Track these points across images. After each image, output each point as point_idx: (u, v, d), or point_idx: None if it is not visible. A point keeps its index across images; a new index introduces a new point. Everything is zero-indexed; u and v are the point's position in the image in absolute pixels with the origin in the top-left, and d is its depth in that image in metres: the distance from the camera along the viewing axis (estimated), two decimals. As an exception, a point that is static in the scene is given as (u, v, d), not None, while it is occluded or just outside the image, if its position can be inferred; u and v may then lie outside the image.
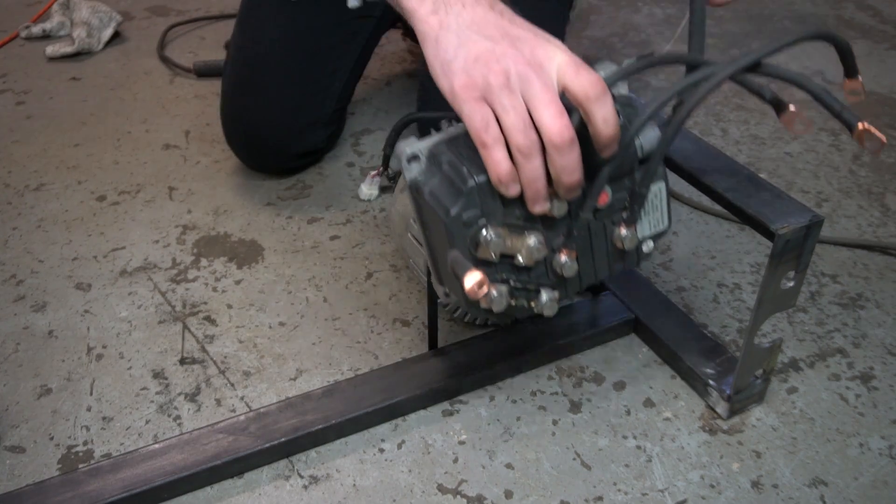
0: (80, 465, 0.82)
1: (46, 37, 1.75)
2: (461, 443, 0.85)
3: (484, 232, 0.64)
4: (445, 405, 0.89)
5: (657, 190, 0.71)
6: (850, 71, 0.62)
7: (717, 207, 0.80)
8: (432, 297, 0.90)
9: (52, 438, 0.86)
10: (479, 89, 0.60)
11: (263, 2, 1.17)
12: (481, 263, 0.65)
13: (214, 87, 1.54)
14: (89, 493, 0.76)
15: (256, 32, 1.18)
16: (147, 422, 0.88)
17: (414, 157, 0.66)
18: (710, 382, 0.87)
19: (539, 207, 0.63)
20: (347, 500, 0.79)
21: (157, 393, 0.91)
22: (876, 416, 0.88)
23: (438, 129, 0.97)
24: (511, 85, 0.59)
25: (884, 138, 0.60)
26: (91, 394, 0.91)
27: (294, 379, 0.93)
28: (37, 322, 1.01)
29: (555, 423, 0.87)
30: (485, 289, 0.60)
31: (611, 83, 0.62)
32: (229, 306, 1.03)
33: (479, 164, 0.62)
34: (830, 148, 1.36)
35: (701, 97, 0.63)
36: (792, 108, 0.61)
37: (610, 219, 0.69)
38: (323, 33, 1.15)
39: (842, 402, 0.89)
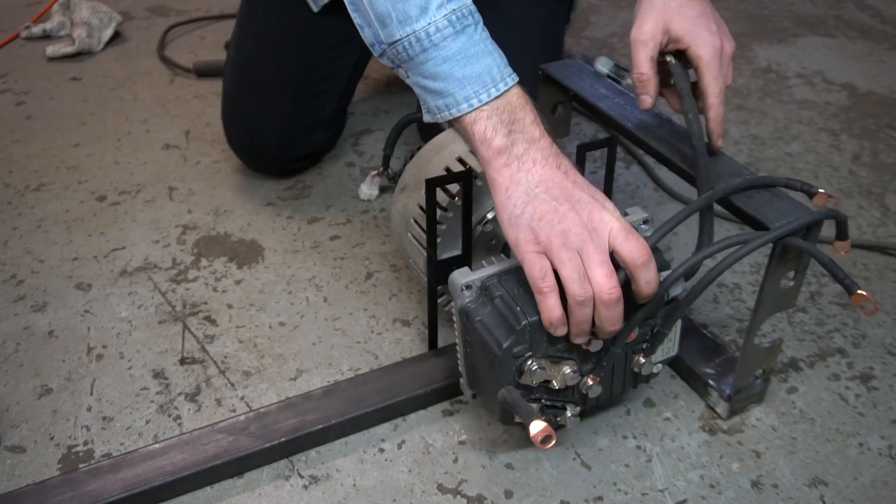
0: (81, 465, 0.82)
1: (47, 37, 1.75)
2: (461, 443, 0.85)
3: (529, 362, 0.72)
4: (445, 405, 0.89)
5: (674, 325, 0.79)
6: (842, 236, 0.74)
7: (718, 207, 0.80)
8: (432, 297, 0.90)
9: (52, 438, 0.86)
10: (542, 245, 0.68)
11: (263, 4, 1.17)
12: (520, 387, 0.74)
13: (214, 87, 1.54)
14: (89, 493, 0.76)
15: (256, 35, 1.18)
16: (147, 422, 0.88)
17: (468, 287, 0.74)
18: (710, 382, 0.87)
19: (580, 341, 0.72)
20: (347, 500, 0.79)
21: (157, 393, 0.91)
22: (876, 416, 0.88)
23: (438, 130, 0.98)
24: (569, 244, 0.67)
25: (878, 305, 0.71)
26: (91, 394, 0.91)
27: (294, 379, 0.93)
28: (37, 322, 1.01)
29: (555, 423, 0.87)
30: (551, 441, 0.67)
31: (653, 243, 0.71)
32: (229, 306, 1.03)
33: (530, 305, 0.70)
34: (830, 148, 1.36)
35: (731, 263, 0.73)
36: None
37: (632, 348, 0.78)
38: (322, 35, 1.15)
39: (842, 402, 0.90)
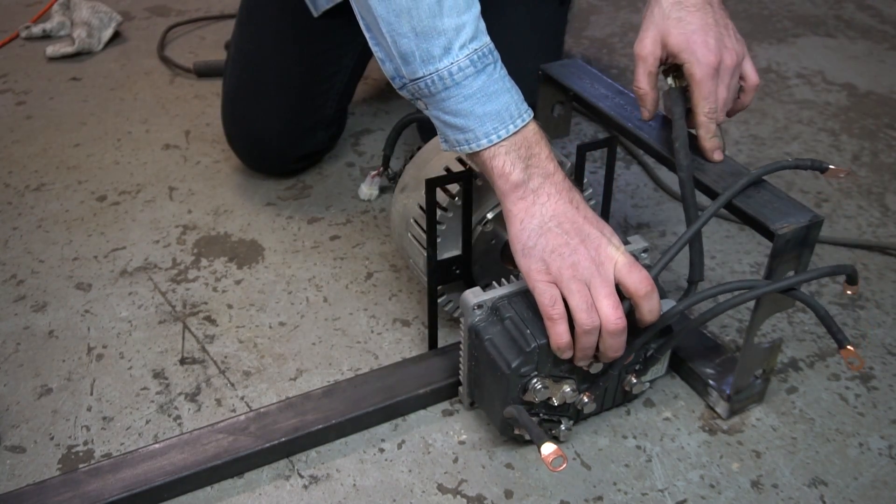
0: (81, 465, 0.82)
1: (47, 37, 1.75)
2: (461, 443, 0.85)
3: (534, 381, 0.77)
4: (445, 405, 0.89)
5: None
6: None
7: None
8: (432, 297, 0.90)
9: (52, 438, 0.86)
10: (552, 275, 0.72)
11: (263, 4, 1.17)
12: (523, 403, 0.78)
13: (215, 87, 1.54)
14: (89, 493, 0.76)
15: (256, 35, 1.18)
16: (147, 422, 0.88)
17: (479, 307, 0.78)
18: (710, 382, 0.87)
19: (583, 364, 0.76)
20: (347, 500, 0.79)
21: (157, 393, 0.91)
22: (875, 416, 0.88)
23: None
24: (578, 276, 0.71)
25: (863, 362, 0.75)
26: (91, 394, 0.91)
27: (294, 379, 0.93)
28: (37, 322, 1.01)
29: (555, 423, 0.87)
30: (563, 463, 0.70)
31: (655, 274, 0.75)
32: (229, 306, 1.03)
33: (539, 328, 0.75)
34: (830, 148, 1.36)
35: (730, 307, 0.77)
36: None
37: (625, 370, 0.83)
38: (322, 37, 1.15)
39: (841, 402, 0.90)
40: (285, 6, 1.14)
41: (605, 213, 0.96)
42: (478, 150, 0.73)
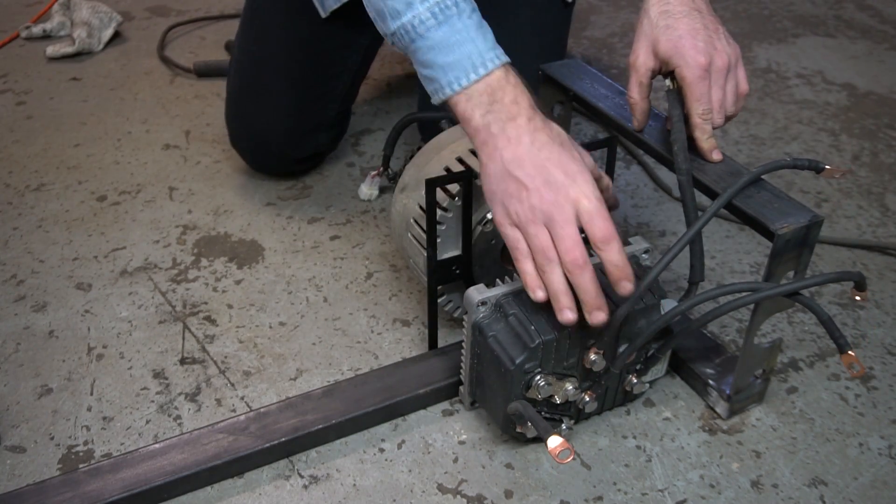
0: (81, 465, 0.82)
1: (47, 37, 1.75)
2: (461, 443, 0.85)
3: (538, 378, 0.77)
4: (445, 405, 0.89)
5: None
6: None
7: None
8: (432, 297, 0.90)
9: (52, 438, 0.86)
10: (512, 219, 0.74)
11: (267, 5, 1.17)
12: (526, 399, 0.78)
13: (215, 87, 1.54)
14: (89, 493, 0.76)
15: (260, 36, 1.18)
16: (147, 422, 0.88)
17: (483, 304, 0.78)
18: (710, 382, 0.87)
19: (565, 317, 0.73)
20: (347, 500, 0.79)
21: (157, 393, 0.91)
22: (875, 416, 0.88)
23: (438, 130, 0.98)
24: (536, 219, 0.72)
25: (864, 368, 0.75)
26: (91, 394, 0.91)
27: (294, 379, 0.93)
28: (37, 322, 1.01)
29: (555, 423, 0.87)
30: (569, 455, 0.71)
31: (656, 275, 0.74)
32: (229, 306, 1.03)
33: (544, 324, 0.76)
34: (830, 148, 1.37)
35: (732, 309, 0.76)
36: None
37: (626, 369, 0.83)
38: (327, 38, 1.15)
39: (841, 402, 0.90)
40: (290, 6, 1.13)
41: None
42: (444, 98, 0.76)
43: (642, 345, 0.79)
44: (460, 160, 0.89)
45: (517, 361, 0.75)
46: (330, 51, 1.16)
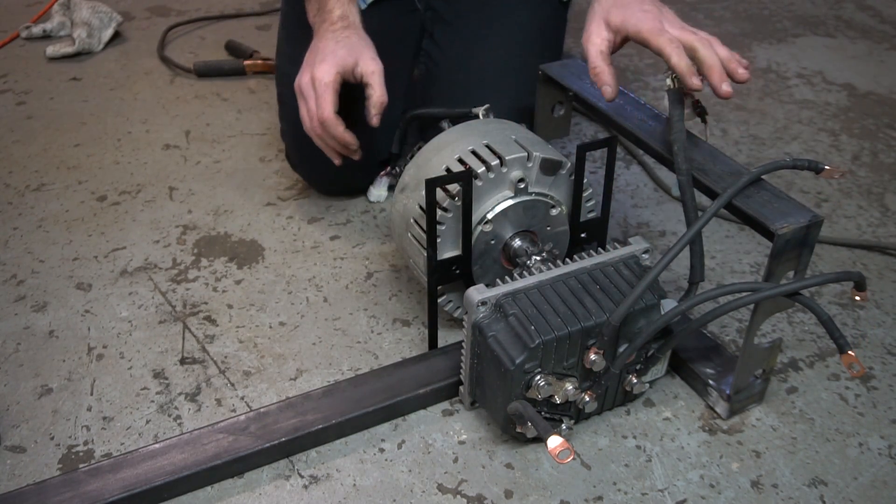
0: (81, 465, 0.82)
1: (47, 37, 1.75)
2: (461, 443, 0.85)
3: (538, 378, 0.77)
4: (445, 405, 0.89)
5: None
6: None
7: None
8: (432, 297, 0.90)
9: (52, 438, 0.86)
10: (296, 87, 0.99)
11: (304, 21, 1.08)
12: (526, 399, 0.78)
13: (215, 87, 1.54)
14: (89, 493, 0.76)
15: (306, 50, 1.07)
16: (147, 422, 0.88)
17: (483, 304, 0.79)
18: (710, 382, 0.87)
19: (334, 160, 1.01)
20: (347, 500, 0.79)
21: (157, 393, 0.91)
22: (875, 415, 0.88)
23: (440, 127, 0.98)
24: (304, 89, 0.98)
25: (864, 368, 0.76)
26: (91, 394, 0.91)
27: (294, 379, 0.93)
28: (37, 322, 1.01)
29: (555, 422, 0.87)
30: (569, 455, 0.72)
31: (656, 275, 0.76)
32: (229, 306, 1.03)
33: (543, 324, 0.77)
34: (830, 148, 1.37)
35: (732, 309, 0.77)
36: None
37: (626, 369, 0.83)
38: (386, 32, 1.10)
39: (841, 402, 0.90)
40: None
41: (604, 213, 0.96)
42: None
43: (642, 345, 0.79)
44: (460, 160, 0.89)
45: (517, 361, 0.75)
46: (384, 46, 1.07)
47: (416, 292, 1.05)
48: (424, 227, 0.86)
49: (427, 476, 0.82)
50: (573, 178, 0.90)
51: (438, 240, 0.86)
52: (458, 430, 0.86)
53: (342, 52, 0.96)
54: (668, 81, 0.83)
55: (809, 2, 1.93)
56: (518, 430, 0.81)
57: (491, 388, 0.81)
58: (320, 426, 0.83)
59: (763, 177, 0.80)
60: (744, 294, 0.76)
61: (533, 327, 0.76)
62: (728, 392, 0.85)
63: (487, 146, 0.89)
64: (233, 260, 1.11)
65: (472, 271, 0.91)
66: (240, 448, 0.80)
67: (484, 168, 0.86)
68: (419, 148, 0.96)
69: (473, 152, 0.89)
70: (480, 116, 0.98)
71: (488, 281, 0.83)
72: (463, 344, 0.83)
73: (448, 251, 0.89)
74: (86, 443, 0.85)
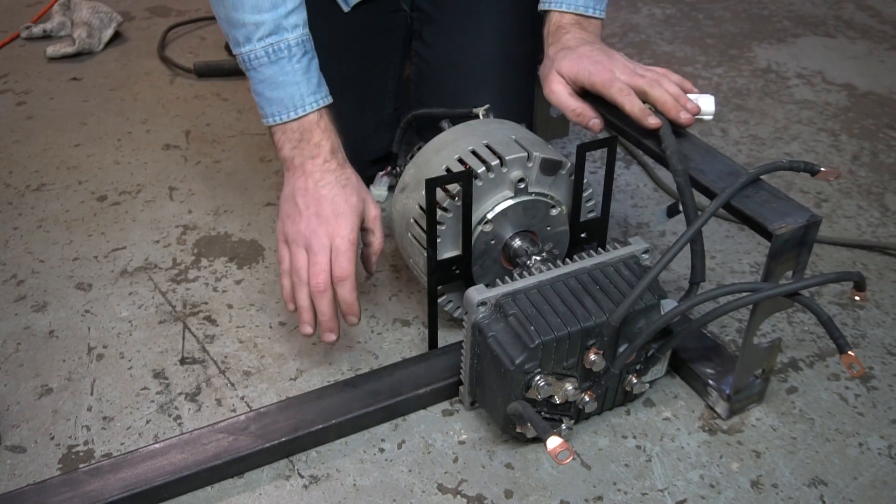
0: (81, 465, 0.82)
1: (47, 37, 1.75)
2: (461, 443, 0.85)
3: (537, 378, 0.77)
4: (445, 405, 0.89)
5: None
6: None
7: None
8: (432, 297, 0.90)
9: (52, 438, 0.86)
10: (286, 237, 0.88)
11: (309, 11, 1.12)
12: (525, 400, 0.78)
13: (215, 87, 1.54)
14: (90, 493, 0.76)
15: None
16: (147, 422, 0.88)
17: (483, 304, 0.79)
18: (710, 382, 0.87)
19: (304, 330, 0.86)
20: (347, 500, 0.79)
21: (157, 393, 0.91)
22: (875, 415, 0.88)
23: (440, 127, 0.98)
24: (299, 241, 0.86)
25: (864, 368, 0.76)
26: (91, 394, 0.91)
27: (294, 379, 0.93)
28: (37, 322, 1.01)
29: (554, 422, 0.87)
30: (569, 456, 0.72)
31: (656, 275, 0.76)
32: (230, 306, 1.03)
33: (543, 325, 0.76)
34: (830, 148, 1.37)
35: (732, 309, 0.77)
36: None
37: (626, 369, 0.83)
38: (370, 32, 1.12)
39: (841, 402, 0.90)
40: (330, 12, 1.10)
41: (604, 213, 0.96)
42: (267, 125, 0.90)
43: (642, 345, 0.79)
44: (460, 160, 0.89)
45: (517, 362, 0.76)
46: (374, 46, 1.13)
47: (416, 292, 1.05)
48: (424, 227, 0.86)
49: (427, 476, 0.82)
50: (573, 178, 0.90)
51: (438, 240, 0.86)
52: (458, 430, 0.86)
53: (354, 200, 0.88)
54: (648, 107, 0.86)
55: (809, 2, 1.94)
56: (518, 430, 0.81)
57: (491, 389, 0.81)
58: (320, 426, 0.83)
59: (762, 177, 0.80)
60: (744, 294, 0.76)
61: (533, 327, 0.76)
62: (728, 392, 0.85)
63: (487, 146, 0.89)
64: (233, 260, 1.11)
65: (472, 271, 0.91)
66: (240, 448, 0.80)
67: (484, 168, 0.86)
68: (419, 148, 0.96)
69: (473, 152, 0.89)
70: (480, 116, 0.98)
71: (488, 281, 0.83)
72: (463, 344, 0.83)
73: (448, 251, 0.89)
74: (86, 443, 0.85)
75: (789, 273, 0.78)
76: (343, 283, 0.85)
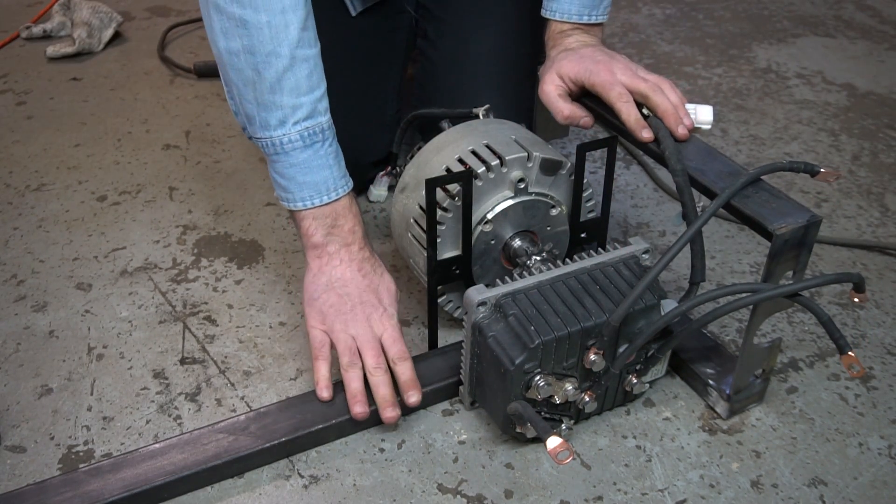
0: (81, 465, 0.82)
1: (47, 37, 1.75)
2: (461, 443, 0.85)
3: (537, 378, 0.77)
4: (445, 405, 0.89)
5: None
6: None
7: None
8: (432, 297, 0.90)
9: (52, 438, 0.86)
10: (326, 325, 0.86)
11: (316, 14, 1.12)
12: (525, 400, 0.79)
13: (215, 87, 1.54)
14: (90, 493, 0.76)
15: None
16: (147, 421, 0.88)
17: (483, 304, 0.79)
18: (710, 382, 0.87)
19: (357, 410, 0.83)
20: (347, 500, 0.79)
21: (157, 393, 0.91)
22: (875, 415, 0.88)
23: (440, 127, 0.98)
24: (348, 329, 0.85)
25: (864, 369, 0.77)
26: (91, 394, 0.91)
27: (294, 379, 0.93)
28: (37, 322, 1.01)
29: (554, 422, 0.87)
30: (569, 456, 0.72)
31: (656, 275, 0.76)
32: (230, 306, 1.03)
33: (543, 325, 0.77)
34: (830, 148, 1.37)
35: (732, 310, 0.76)
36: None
37: (626, 369, 0.83)
38: (375, 34, 1.13)
39: (841, 402, 0.90)
40: (332, 15, 1.10)
41: (604, 213, 0.96)
42: (294, 210, 0.86)
43: (642, 345, 0.79)
44: (460, 160, 0.89)
45: (517, 362, 0.76)
46: (375, 49, 1.14)
47: (416, 292, 1.05)
48: (424, 227, 0.86)
49: (427, 476, 0.82)
50: (573, 178, 0.90)
51: (438, 240, 0.86)
52: (458, 430, 0.86)
53: (393, 288, 0.89)
54: (645, 111, 0.86)
55: (809, 2, 1.94)
56: (518, 430, 0.81)
57: (491, 388, 0.81)
58: (320, 426, 0.83)
59: (762, 177, 0.80)
60: (744, 295, 0.76)
61: (533, 327, 0.76)
62: (728, 392, 0.85)
63: (487, 146, 0.89)
64: (233, 260, 1.11)
65: (473, 271, 0.91)
66: (240, 448, 0.80)
67: (484, 168, 0.86)
68: (419, 148, 0.96)
69: (473, 152, 0.89)
70: (480, 116, 0.98)
71: (488, 281, 0.83)
72: (463, 344, 0.83)
73: (448, 251, 0.89)
74: (86, 443, 0.85)
75: (789, 273, 0.78)
76: (404, 363, 0.84)
